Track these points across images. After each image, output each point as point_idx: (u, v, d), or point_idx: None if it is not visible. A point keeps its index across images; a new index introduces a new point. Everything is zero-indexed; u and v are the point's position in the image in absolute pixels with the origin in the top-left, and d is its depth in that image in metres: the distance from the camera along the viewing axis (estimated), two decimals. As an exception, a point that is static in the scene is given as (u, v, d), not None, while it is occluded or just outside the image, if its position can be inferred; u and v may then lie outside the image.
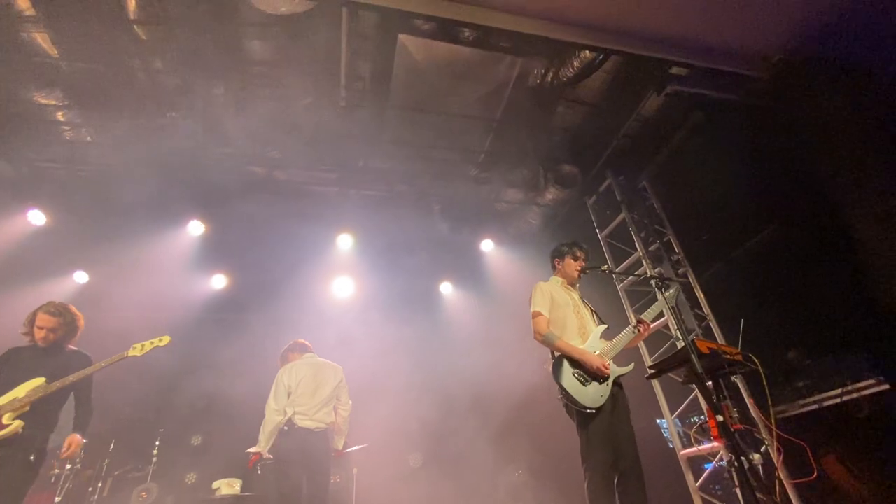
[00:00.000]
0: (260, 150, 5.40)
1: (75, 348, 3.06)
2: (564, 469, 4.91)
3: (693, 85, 4.74)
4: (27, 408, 2.62)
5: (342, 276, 6.66)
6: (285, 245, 6.18)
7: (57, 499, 4.13)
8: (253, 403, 4.35)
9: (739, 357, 2.71)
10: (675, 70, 4.71)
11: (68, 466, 4.33)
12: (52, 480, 4.24)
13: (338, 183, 6.09)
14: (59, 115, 4.79)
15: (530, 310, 2.94)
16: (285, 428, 3.62)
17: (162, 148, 5.06)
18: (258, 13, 4.23)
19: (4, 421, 2.56)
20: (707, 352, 2.60)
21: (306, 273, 6.47)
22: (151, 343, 3.07)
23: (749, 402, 3.87)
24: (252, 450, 3.69)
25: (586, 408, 2.54)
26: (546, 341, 2.78)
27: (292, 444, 3.56)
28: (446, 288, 7.43)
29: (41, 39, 4.25)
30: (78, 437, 2.86)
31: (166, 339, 3.12)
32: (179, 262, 5.73)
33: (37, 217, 5.14)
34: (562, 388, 2.61)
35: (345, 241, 6.41)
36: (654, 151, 5.40)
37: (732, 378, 3.91)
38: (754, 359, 2.68)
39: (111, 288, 4.97)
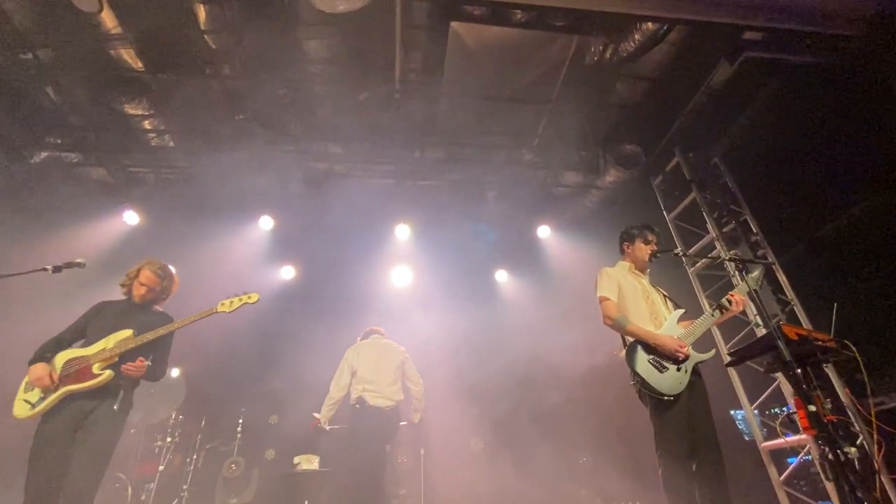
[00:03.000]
0: (321, 146, 5.64)
1: (161, 309, 3.03)
2: (634, 456, 4.81)
3: (770, 50, 4.34)
4: (116, 359, 2.59)
5: (401, 265, 6.83)
6: (347, 236, 6.44)
7: (160, 467, 4.66)
8: (321, 386, 4.64)
9: (833, 344, 2.50)
10: (749, 35, 4.34)
11: (168, 440, 4.86)
12: (156, 452, 4.79)
13: (394, 175, 6.22)
14: (146, 124, 5.25)
15: (597, 295, 2.88)
16: (357, 406, 3.84)
17: (233, 149, 5.42)
18: (317, 13, 4.38)
19: (95, 370, 2.55)
20: (796, 338, 2.42)
21: (367, 263, 6.72)
22: (240, 300, 2.91)
23: (844, 391, 3.56)
24: (316, 414, 4.02)
25: (663, 395, 2.46)
26: (617, 326, 2.71)
27: (364, 420, 3.79)
28: (502, 276, 7.41)
29: (127, 55, 4.66)
30: (146, 361, 2.65)
31: (255, 297, 2.94)
32: (253, 254, 6.18)
33: (131, 217, 5.75)
34: (636, 375, 2.53)
35: (402, 232, 6.57)
36: (726, 125, 5.03)
37: (823, 367, 3.62)
38: (851, 346, 2.47)
39: (196, 279, 5.43)
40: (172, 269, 3.07)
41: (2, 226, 5.06)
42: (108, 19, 4.23)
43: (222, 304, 2.89)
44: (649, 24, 4.06)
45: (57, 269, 2.63)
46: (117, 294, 2.99)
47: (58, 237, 5.20)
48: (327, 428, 4.03)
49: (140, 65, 4.67)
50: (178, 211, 5.85)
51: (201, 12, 4.40)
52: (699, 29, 4.32)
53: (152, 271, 2.93)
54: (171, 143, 5.38)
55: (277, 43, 4.67)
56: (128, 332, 2.67)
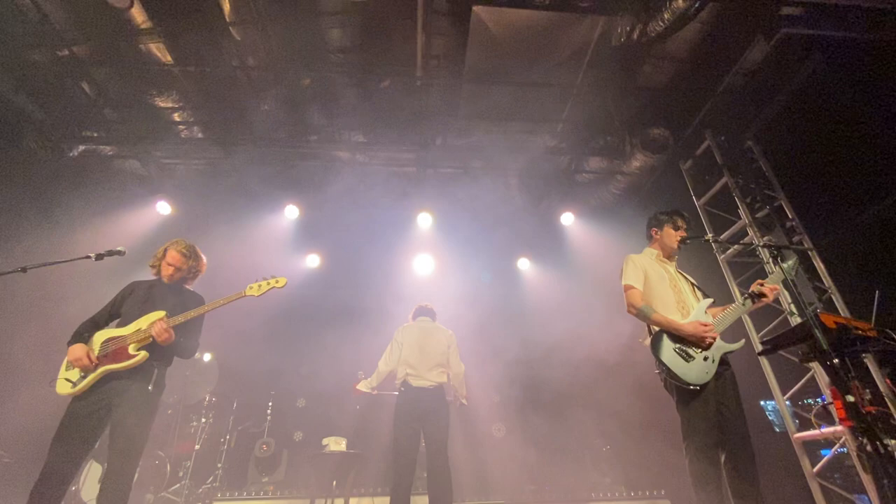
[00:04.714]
0: (343, 135, 5.68)
1: (192, 289, 3.05)
2: (659, 446, 4.77)
3: (810, 25, 4.14)
4: (150, 339, 2.62)
5: (423, 253, 6.87)
6: (370, 224, 6.50)
7: (196, 446, 4.89)
8: (346, 371, 4.74)
9: (874, 333, 2.41)
10: (786, 10, 4.13)
11: (203, 420, 5.08)
12: (192, 431, 5.02)
13: (416, 163, 6.23)
14: (176, 116, 5.39)
15: (622, 283, 2.82)
16: (402, 388, 3.87)
17: (258, 139, 5.52)
18: (339, 2, 4.39)
19: (131, 351, 2.60)
20: (834, 326, 2.34)
21: (390, 250, 6.78)
22: (268, 283, 2.89)
23: (885, 382, 3.43)
24: (361, 386, 4.06)
25: (689, 384, 2.40)
26: (641, 315, 2.65)
27: (408, 402, 3.79)
28: (524, 264, 7.37)
29: (156, 49, 4.77)
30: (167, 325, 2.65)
31: (283, 281, 2.92)
32: (280, 242, 6.32)
33: (164, 207, 5.95)
34: (662, 364, 2.48)
35: (424, 220, 6.59)
36: (760, 106, 4.82)
37: (862, 356, 3.49)
38: (893, 335, 2.36)
39: (224, 267, 5.61)
40: (198, 248, 3.07)
41: (44, 216, 5.30)
42: (138, 14, 4.34)
43: (250, 288, 2.88)
44: (679, 1, 3.90)
45: (99, 257, 2.74)
46: (149, 275, 3.02)
47: (95, 227, 5.43)
48: (375, 393, 4.10)
49: (169, 58, 4.78)
50: (207, 200, 6.02)
51: (226, 5, 4.47)
52: (733, 5, 4.13)
53: (178, 251, 2.95)
54: (200, 135, 5.51)
55: (300, 33, 4.70)
56: (161, 314, 2.71)
